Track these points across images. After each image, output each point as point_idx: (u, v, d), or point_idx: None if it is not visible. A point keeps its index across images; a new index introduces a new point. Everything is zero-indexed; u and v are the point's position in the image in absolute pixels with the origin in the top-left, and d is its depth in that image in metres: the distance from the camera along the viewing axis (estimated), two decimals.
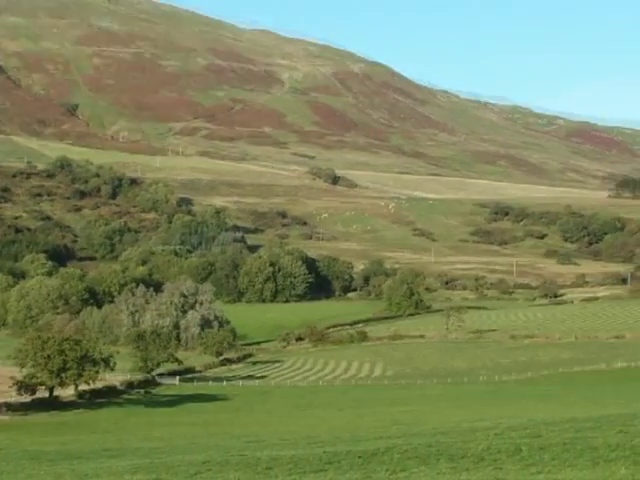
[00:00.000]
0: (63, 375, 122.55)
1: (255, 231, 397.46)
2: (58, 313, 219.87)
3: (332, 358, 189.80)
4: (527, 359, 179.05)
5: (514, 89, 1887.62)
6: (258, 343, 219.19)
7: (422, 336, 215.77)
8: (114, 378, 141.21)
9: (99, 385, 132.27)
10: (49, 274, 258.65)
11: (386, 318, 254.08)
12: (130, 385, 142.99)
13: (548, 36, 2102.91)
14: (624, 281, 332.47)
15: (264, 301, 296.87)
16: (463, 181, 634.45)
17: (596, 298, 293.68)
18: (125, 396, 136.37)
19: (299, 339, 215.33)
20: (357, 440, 51.25)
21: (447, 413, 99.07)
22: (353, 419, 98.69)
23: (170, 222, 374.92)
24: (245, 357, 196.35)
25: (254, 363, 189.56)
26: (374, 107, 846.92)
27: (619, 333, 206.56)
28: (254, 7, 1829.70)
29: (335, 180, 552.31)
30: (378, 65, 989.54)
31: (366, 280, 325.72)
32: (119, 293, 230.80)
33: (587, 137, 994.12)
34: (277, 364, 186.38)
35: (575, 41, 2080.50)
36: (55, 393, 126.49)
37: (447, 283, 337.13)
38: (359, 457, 38.33)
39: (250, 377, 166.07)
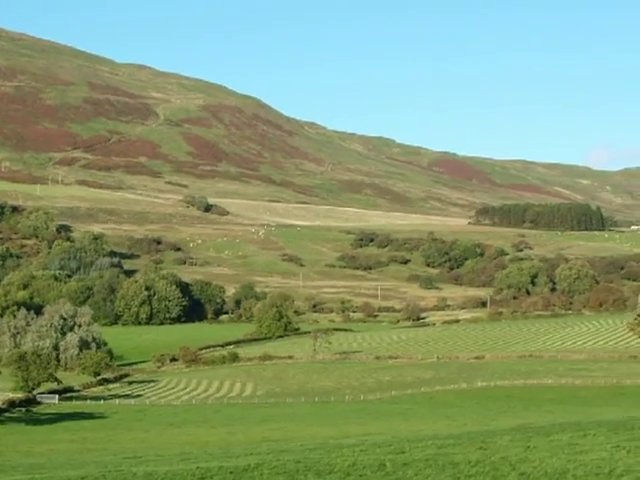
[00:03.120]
0: None
1: (131, 257, 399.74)
2: None
3: (205, 378, 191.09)
4: (391, 379, 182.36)
5: (378, 121, 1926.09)
6: (134, 364, 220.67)
7: (291, 357, 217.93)
8: None
9: None
10: None
11: (256, 340, 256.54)
12: (12, 404, 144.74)
13: (408, 69, 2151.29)
14: (484, 304, 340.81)
15: (140, 324, 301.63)
16: (330, 209, 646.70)
17: (457, 321, 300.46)
18: (7, 414, 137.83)
19: (173, 360, 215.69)
20: (229, 456, 53.16)
21: (315, 430, 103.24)
22: (225, 436, 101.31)
23: (50, 248, 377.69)
24: (122, 377, 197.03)
25: (130, 383, 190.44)
26: (245, 138, 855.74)
27: (479, 354, 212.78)
28: (130, 43, 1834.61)
29: (208, 208, 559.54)
30: (249, 98, 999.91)
31: (237, 303, 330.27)
32: (1, 316, 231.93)
33: (448, 167, 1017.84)
34: (152, 384, 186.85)
35: (435, 74, 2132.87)
36: None
37: (315, 306, 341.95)
38: (230, 473, 40.56)
39: (127, 396, 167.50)
